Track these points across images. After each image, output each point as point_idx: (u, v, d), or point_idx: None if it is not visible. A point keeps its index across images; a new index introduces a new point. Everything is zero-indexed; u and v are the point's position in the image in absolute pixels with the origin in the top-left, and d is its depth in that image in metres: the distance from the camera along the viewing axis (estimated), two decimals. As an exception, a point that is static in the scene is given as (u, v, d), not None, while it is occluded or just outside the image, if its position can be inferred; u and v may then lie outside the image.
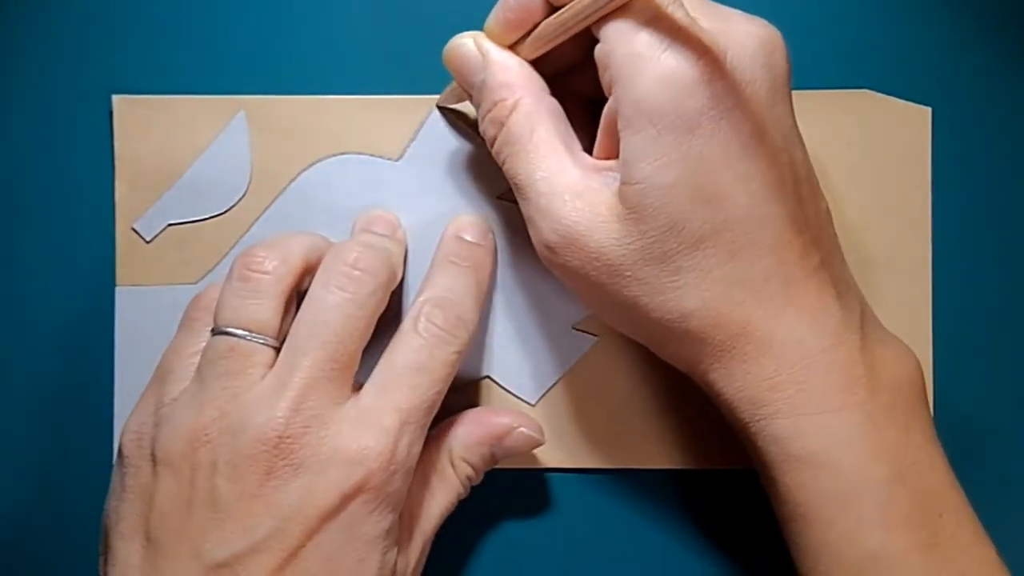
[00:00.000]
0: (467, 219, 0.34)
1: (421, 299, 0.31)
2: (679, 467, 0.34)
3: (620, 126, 0.28)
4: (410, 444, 0.29)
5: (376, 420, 0.28)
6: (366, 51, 0.35)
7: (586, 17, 0.28)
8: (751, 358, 0.28)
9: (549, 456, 0.34)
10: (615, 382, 0.34)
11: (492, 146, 0.30)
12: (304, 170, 0.34)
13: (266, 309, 0.29)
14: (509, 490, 0.34)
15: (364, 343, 0.30)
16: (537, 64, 0.31)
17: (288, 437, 0.27)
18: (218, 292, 0.30)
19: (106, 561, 0.28)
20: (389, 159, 0.34)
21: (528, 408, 0.34)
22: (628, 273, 0.28)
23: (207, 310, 0.31)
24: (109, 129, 0.34)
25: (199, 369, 0.29)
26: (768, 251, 0.27)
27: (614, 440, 0.34)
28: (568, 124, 0.30)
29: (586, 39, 0.29)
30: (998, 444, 0.34)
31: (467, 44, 0.31)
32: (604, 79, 0.28)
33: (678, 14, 0.27)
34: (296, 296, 0.31)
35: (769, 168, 0.27)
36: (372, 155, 0.34)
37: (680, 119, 0.27)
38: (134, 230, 0.34)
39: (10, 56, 0.35)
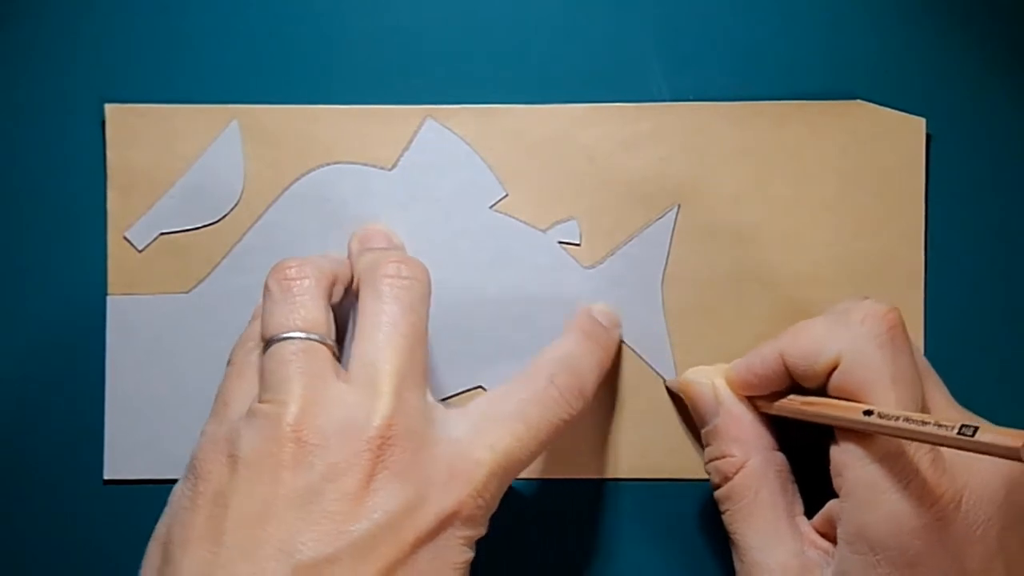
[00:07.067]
0: (601, 307, 0.33)
1: (549, 356, 0.30)
2: (671, 478, 0.34)
3: (840, 533, 0.28)
4: (497, 487, 0.28)
5: (471, 452, 0.28)
6: (360, 60, 0.34)
7: (831, 423, 0.29)
8: None
9: (537, 465, 0.34)
10: (606, 393, 0.34)
11: (714, 490, 0.31)
12: (297, 179, 0.34)
13: (317, 309, 0.29)
14: (510, 500, 0.34)
15: (427, 353, 0.29)
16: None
17: (391, 439, 0.27)
18: (256, 329, 0.30)
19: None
20: (383, 168, 0.34)
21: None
22: None
23: (256, 346, 0.30)
24: (102, 137, 0.34)
25: (264, 382, 0.28)
26: None
27: (604, 450, 0.34)
28: (793, 483, 0.31)
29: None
30: (992, 455, 0.34)
31: (704, 386, 0.32)
32: (834, 480, 0.29)
33: (919, 455, 0.27)
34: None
35: None
36: (366, 164, 0.34)
37: (902, 555, 0.27)
38: (126, 239, 0.34)
39: (2, 64, 0.34)
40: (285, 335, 0.28)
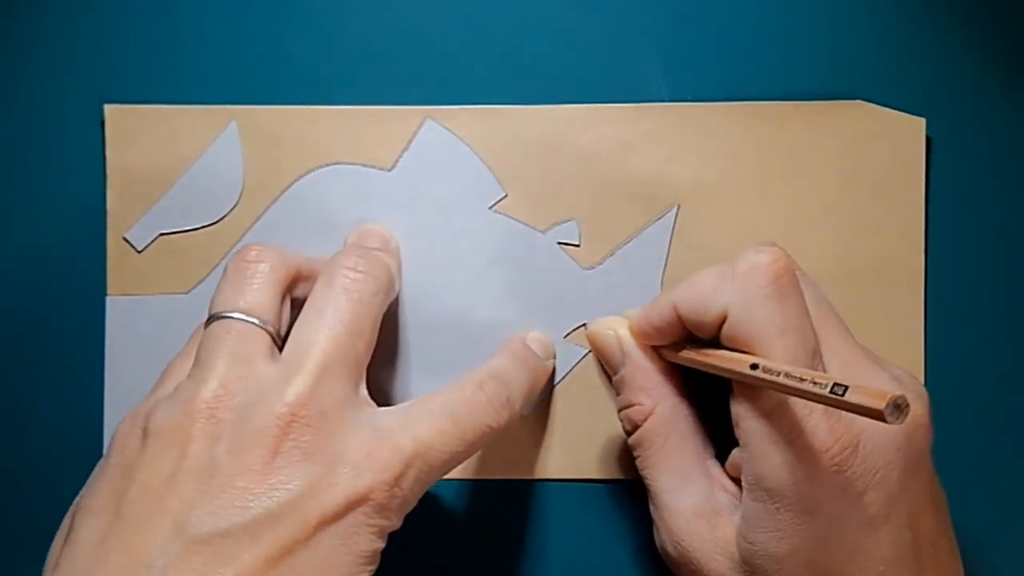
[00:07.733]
0: (536, 335, 0.33)
1: (479, 368, 0.30)
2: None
3: (743, 481, 0.28)
4: (416, 481, 0.27)
5: (392, 439, 0.27)
6: (360, 61, 0.34)
7: (723, 374, 0.28)
8: None
9: (539, 467, 0.34)
10: (606, 394, 0.34)
11: (628, 437, 0.32)
12: (296, 180, 0.34)
13: (264, 294, 0.29)
14: (498, 501, 0.34)
15: (371, 350, 0.29)
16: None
17: (302, 417, 0.26)
18: None
19: (64, 542, 0.26)
20: (382, 169, 0.34)
21: (520, 419, 0.34)
22: None
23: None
24: (101, 138, 0.34)
25: (196, 357, 0.28)
26: None
27: (605, 451, 0.34)
28: (703, 429, 0.31)
29: None
30: (991, 457, 0.34)
31: (609, 336, 0.32)
32: (734, 430, 0.29)
33: (811, 403, 0.26)
34: (290, 299, 0.30)
35: (891, 545, 0.27)
36: (365, 165, 0.34)
37: (801, 503, 0.27)
38: (125, 239, 0.34)
39: (2, 64, 0.35)
40: (225, 314, 0.28)
